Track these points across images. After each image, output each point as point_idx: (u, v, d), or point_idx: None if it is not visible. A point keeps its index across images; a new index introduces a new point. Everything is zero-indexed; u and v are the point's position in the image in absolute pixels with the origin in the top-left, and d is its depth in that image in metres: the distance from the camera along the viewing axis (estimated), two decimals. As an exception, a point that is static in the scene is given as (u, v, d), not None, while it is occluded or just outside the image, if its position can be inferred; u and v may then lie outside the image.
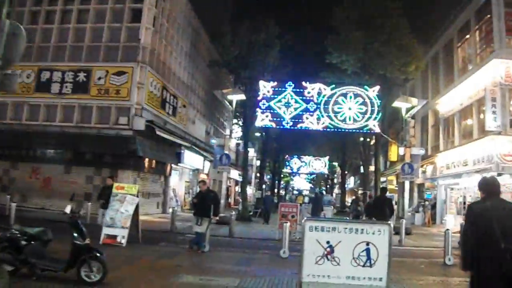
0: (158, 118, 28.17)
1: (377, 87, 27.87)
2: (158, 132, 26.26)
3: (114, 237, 14.19)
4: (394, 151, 47.20)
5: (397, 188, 44.62)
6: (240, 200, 38.98)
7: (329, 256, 7.11)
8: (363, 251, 7.10)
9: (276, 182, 66.48)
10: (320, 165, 72.44)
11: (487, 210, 5.64)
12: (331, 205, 29.84)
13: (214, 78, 40.67)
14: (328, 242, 7.18)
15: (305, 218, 8.13)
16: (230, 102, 27.86)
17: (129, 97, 25.65)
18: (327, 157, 71.03)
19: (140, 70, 26.01)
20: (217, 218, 14.29)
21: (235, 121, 39.18)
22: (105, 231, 14.19)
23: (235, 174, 51.99)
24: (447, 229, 14.98)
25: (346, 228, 7.26)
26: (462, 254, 5.95)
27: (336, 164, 73.98)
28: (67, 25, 27.73)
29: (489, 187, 5.96)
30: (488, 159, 24.31)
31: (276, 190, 63.58)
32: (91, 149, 25.83)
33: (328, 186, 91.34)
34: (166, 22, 29.96)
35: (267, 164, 56.64)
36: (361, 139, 40.97)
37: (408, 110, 27.22)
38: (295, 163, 72.92)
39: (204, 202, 13.82)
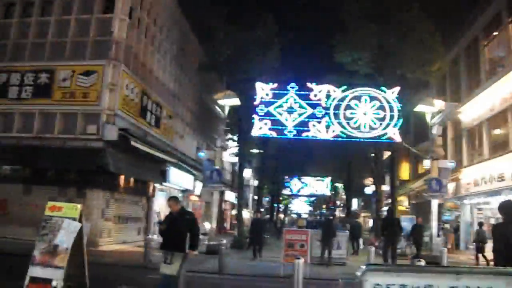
0: (136, 128, 23.74)
1: (397, 89, 23.56)
2: (133, 143, 21.68)
3: (46, 281, 9.59)
4: (406, 168, 43.19)
5: (408, 209, 40.32)
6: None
7: None
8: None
9: (275, 205, 62.10)
10: (321, 186, 67.88)
11: (506, 229, 6.40)
12: (346, 229, 25.10)
13: (205, 88, 36.16)
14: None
15: (364, 268, 3.60)
16: (222, 108, 23.34)
17: (98, 101, 21.24)
18: (329, 178, 66.55)
19: (112, 69, 21.63)
20: (195, 253, 9.47)
21: (229, 136, 34.92)
22: (32, 272, 9.57)
23: (231, 196, 47.48)
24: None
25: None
26: (495, 262, 6.62)
27: (339, 185, 69.41)
28: (28, 19, 23.39)
29: (509, 210, 6.65)
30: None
31: (275, 213, 59.16)
32: (54, 164, 21.28)
33: (329, 208, 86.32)
34: (146, 16, 25.65)
35: (265, 186, 52.21)
36: (372, 154, 36.41)
37: (433, 116, 22.77)
38: (295, 184, 68.27)
39: (176, 229, 9.27)
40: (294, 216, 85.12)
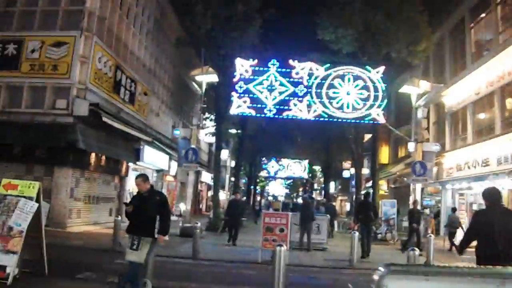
0: (109, 104, 22.52)
1: (382, 68, 22.67)
2: (105, 119, 20.44)
3: (1, 268, 8.59)
4: (385, 152, 42.65)
5: (387, 194, 39.82)
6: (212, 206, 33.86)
7: None
8: None
9: (252, 187, 61.22)
10: (299, 168, 67.02)
11: (490, 216, 6.57)
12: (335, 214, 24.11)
13: (182, 65, 34.86)
14: None
15: (383, 270, 2.64)
16: (200, 85, 22.27)
17: (69, 74, 19.91)
18: (307, 160, 65.73)
19: (84, 41, 20.30)
20: (166, 238, 8.44)
21: (206, 115, 33.83)
22: (-18, 258, 8.55)
23: (207, 177, 46.55)
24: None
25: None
26: (460, 244, 7.29)
27: (316, 168, 68.74)
28: (-5, -15, 21.91)
29: (493, 197, 6.85)
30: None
31: (252, 196, 58.32)
32: (20, 141, 19.90)
33: (306, 191, 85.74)
34: (121, -13, 24.32)
35: (242, 167, 51.25)
36: (350, 136, 35.61)
37: (418, 97, 21.98)
38: (273, 167, 67.26)
39: (144, 211, 8.26)
40: (270, 198, 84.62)
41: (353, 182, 51.37)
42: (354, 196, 37.43)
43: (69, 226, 19.98)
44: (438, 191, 30.46)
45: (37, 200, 8.95)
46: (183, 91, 34.89)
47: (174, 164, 34.39)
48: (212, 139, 35.78)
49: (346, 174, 57.16)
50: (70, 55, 20.05)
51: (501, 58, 21.99)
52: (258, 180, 70.98)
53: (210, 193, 47.08)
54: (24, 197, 8.84)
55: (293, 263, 13.34)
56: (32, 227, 8.85)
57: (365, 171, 40.83)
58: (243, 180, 60.00)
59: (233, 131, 38.01)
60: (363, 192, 34.91)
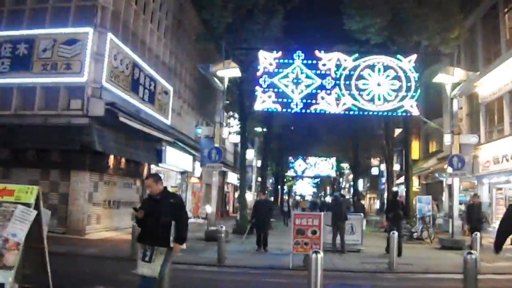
0: (126, 104, 21.51)
1: (414, 56, 21.31)
2: (122, 119, 19.42)
3: (-3, 284, 7.56)
4: (416, 147, 41.07)
5: (419, 190, 38.25)
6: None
7: None
8: None
9: (279, 187, 60.05)
10: (326, 166, 65.68)
11: None
12: (363, 212, 22.61)
13: (204, 62, 33.51)
14: None
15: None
16: (222, 81, 21.08)
17: (83, 72, 18.98)
18: (334, 158, 64.33)
19: (98, 37, 19.35)
20: (183, 246, 7.24)
21: (230, 113, 32.74)
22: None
23: (233, 178, 45.45)
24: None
25: None
26: (496, 241, 7.15)
27: (344, 165, 67.14)
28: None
29: None
30: None
31: (279, 196, 57.09)
32: (34, 144, 19.05)
33: (334, 190, 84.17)
34: (137, -20, 23.35)
35: (269, 167, 50.12)
36: (380, 131, 34.23)
37: (454, 87, 20.52)
38: (300, 165, 65.98)
39: (157, 216, 7.12)
40: (298, 198, 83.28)
41: (383, 179, 50.12)
42: (385, 194, 36.07)
43: (88, 233, 19.10)
44: (473, 186, 28.88)
45: (36, 207, 7.86)
46: (205, 90, 33.78)
47: (199, 165, 33.35)
48: (237, 139, 34.78)
49: (375, 171, 55.71)
50: (83, 53, 19.10)
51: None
52: (285, 180, 69.87)
53: (237, 194, 46.15)
54: (21, 203, 7.77)
55: (327, 268, 12.13)
56: (32, 237, 7.78)
57: (396, 167, 39.39)
58: (270, 180, 58.89)
59: (259, 129, 36.88)
60: (395, 188, 33.72)
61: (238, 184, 45.47)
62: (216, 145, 20.08)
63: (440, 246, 19.44)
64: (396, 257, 13.10)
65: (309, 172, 67.68)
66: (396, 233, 13.56)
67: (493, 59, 25.86)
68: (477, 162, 26.64)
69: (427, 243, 21.71)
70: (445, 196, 31.85)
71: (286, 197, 72.29)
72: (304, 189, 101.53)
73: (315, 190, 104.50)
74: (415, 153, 41.67)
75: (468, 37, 27.65)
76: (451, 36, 22.72)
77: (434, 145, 38.50)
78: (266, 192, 23.89)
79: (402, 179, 43.22)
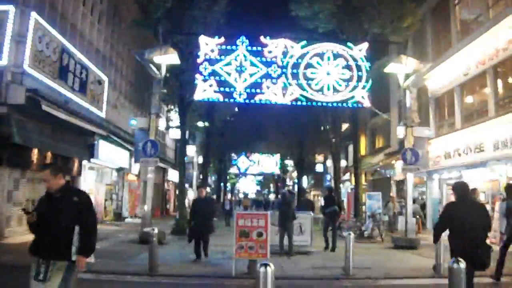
0: (53, 92, 19.38)
1: (365, 45, 20.03)
2: (45, 107, 17.17)
3: None
4: (362, 143, 40.32)
5: (365, 186, 37.44)
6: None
7: None
8: None
9: (222, 184, 58.44)
10: (271, 164, 64.39)
11: (460, 209, 7.44)
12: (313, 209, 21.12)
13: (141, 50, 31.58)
14: None
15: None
16: (159, 68, 19.22)
17: (0, 55, 16.77)
18: (279, 155, 63.12)
19: (20, 16, 17.18)
20: (90, 260, 5.46)
21: (171, 107, 30.86)
22: None
23: (175, 175, 43.39)
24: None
25: None
26: (434, 233, 8.04)
27: (288, 162, 65.98)
28: None
29: (461, 191, 7.66)
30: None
31: (222, 194, 55.43)
32: None
33: (278, 188, 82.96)
34: (66, -42, 21.17)
35: (211, 164, 48.38)
36: (327, 126, 33.08)
37: (406, 77, 19.40)
38: (243, 162, 64.40)
39: (54, 220, 5.44)
40: (241, 196, 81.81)
41: (327, 176, 49.30)
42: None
43: (7, 236, 16.95)
44: (423, 182, 28.13)
45: None
46: (144, 81, 31.63)
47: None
48: (179, 134, 33.13)
49: (319, 168, 54.83)
50: (2, 33, 16.87)
51: (493, 33, 19.85)
52: (228, 178, 68.27)
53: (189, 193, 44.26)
54: None
55: (276, 275, 10.66)
56: None
57: (342, 163, 38.53)
58: (213, 177, 57.17)
59: (201, 124, 35.12)
60: (341, 185, 32.76)
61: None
62: (152, 137, 18.27)
63: (393, 245, 18.26)
64: (352, 261, 11.68)
65: (253, 170, 66.20)
66: (352, 234, 12.19)
67: (443, 52, 25.23)
68: (427, 157, 25.92)
69: (378, 242, 20.60)
70: (393, 193, 31.06)
71: (229, 195, 70.69)
72: (248, 187, 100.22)
73: (258, 188, 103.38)
74: (361, 149, 41.03)
75: (418, 29, 26.92)
76: (403, 25, 21.72)
77: (380, 141, 37.95)
78: (205, 187, 20.73)
79: (347, 176, 42.54)
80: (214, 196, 48.78)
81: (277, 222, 15.05)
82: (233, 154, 61.66)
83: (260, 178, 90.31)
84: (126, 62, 30.48)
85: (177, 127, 30.04)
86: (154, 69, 19.30)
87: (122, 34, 29.21)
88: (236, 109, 43.25)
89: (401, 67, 19.06)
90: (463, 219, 7.20)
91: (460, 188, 7.70)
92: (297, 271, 12.21)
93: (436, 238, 8.04)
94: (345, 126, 35.01)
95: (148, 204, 18.94)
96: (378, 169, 35.09)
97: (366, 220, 23.06)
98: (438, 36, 26.76)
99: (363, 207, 25.20)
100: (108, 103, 26.84)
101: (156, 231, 11.90)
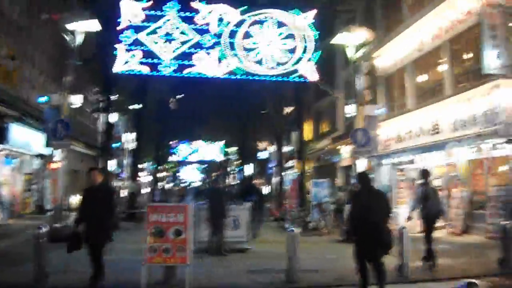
0: None
1: (313, 12, 17.74)
2: None
3: None
4: (307, 128, 38.33)
5: (309, 173, 35.42)
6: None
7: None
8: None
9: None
10: (213, 151, 61.61)
11: (363, 196, 8.21)
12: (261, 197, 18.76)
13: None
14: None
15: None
16: (73, 36, 16.29)
17: None
18: (222, 142, 60.40)
19: None
20: None
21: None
22: None
23: (110, 164, 39.98)
24: (402, 227, 10.23)
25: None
26: (349, 228, 9.59)
27: (232, 149, 63.22)
28: None
29: (365, 179, 8.39)
30: (488, 118, 15.65)
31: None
32: None
33: (222, 175, 79.82)
34: None
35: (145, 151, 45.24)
36: (268, 110, 30.81)
37: (357, 49, 17.21)
38: (183, 150, 61.25)
39: None
40: (185, 185, 78.48)
41: (272, 164, 47.06)
42: (274, 178, 32.92)
43: None
44: (371, 168, 26.22)
45: None
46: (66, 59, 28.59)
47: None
48: (114, 118, 30.35)
49: (263, 154, 52.43)
50: None
51: (450, 4, 17.98)
52: (168, 166, 65.19)
53: (116, 183, 40.96)
54: None
55: (202, 284, 8.32)
56: None
57: (286, 149, 36.39)
58: (151, 166, 53.95)
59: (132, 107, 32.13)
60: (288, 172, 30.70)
61: (114, 171, 40.44)
62: (62, 117, 15.47)
63: (343, 238, 16.02)
64: (298, 261, 9.36)
65: (195, 157, 63.15)
66: (295, 230, 9.87)
67: (393, 27, 23.30)
68: (377, 140, 24.10)
69: (324, 234, 18.43)
70: (339, 180, 29.16)
71: (167, 185, 67.23)
72: (192, 175, 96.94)
73: (203, 176, 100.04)
74: (306, 134, 39.09)
75: (366, 4, 25.00)
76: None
77: (325, 125, 36.16)
78: (100, 172, 10.58)
79: (291, 163, 40.44)
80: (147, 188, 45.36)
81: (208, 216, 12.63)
82: (173, 142, 58.52)
83: (205, 166, 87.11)
84: (48, 36, 27.23)
85: (100, 108, 26.95)
86: (68, 38, 16.43)
87: (45, 8, 25.93)
88: (170, 88, 39.79)
89: (351, 38, 16.86)
90: (365, 205, 7.89)
91: (362, 177, 8.54)
92: (229, 276, 9.75)
93: (351, 233, 8.68)
94: (289, 110, 33.04)
95: (59, 194, 16.13)
96: (323, 155, 33.16)
97: (311, 210, 20.87)
98: (388, 10, 24.94)
99: (308, 195, 23.02)
100: (24, 79, 23.78)
101: (44, 230, 9.19)
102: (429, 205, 10.68)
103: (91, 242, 8.18)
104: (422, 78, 21.91)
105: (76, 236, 8.29)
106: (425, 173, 11.43)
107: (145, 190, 43.97)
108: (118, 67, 16.89)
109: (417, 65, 22.04)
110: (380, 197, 8.25)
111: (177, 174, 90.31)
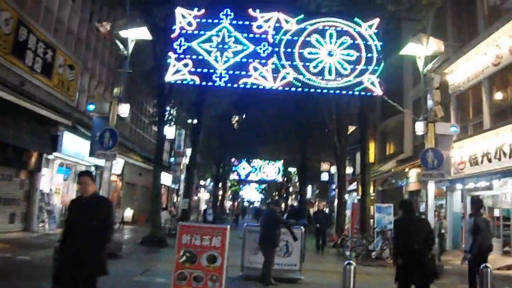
0: (3, 69, 16.24)
1: (376, 21, 16.22)
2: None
3: None
4: (371, 149, 36.57)
5: (373, 197, 33.58)
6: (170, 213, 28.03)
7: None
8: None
9: (220, 192, 54.59)
10: (273, 171, 60.21)
11: (406, 223, 8.09)
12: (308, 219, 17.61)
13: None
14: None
15: None
16: (125, 44, 15.55)
17: None
18: (281, 162, 58.92)
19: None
20: None
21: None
22: None
23: (167, 178, 39.65)
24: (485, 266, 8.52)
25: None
26: (393, 254, 9.78)
27: (292, 169, 61.61)
28: None
29: (407, 207, 8.24)
30: None
31: (219, 201, 51.66)
32: None
33: (282, 196, 78.00)
34: None
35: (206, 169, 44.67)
36: (332, 127, 29.28)
37: (428, 61, 15.60)
38: (244, 168, 60.14)
39: None
40: (246, 204, 77.47)
41: (333, 186, 45.32)
42: (336, 201, 31.29)
43: None
44: (442, 193, 24.31)
45: None
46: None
47: (121, 161, 28.12)
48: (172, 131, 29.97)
49: (324, 176, 50.75)
50: None
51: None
52: (229, 185, 64.39)
53: (177, 198, 40.68)
54: None
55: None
56: None
57: (348, 170, 34.77)
58: (211, 183, 53.39)
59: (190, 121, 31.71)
60: (346, 195, 29.13)
61: (174, 187, 39.92)
62: (111, 126, 14.71)
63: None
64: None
65: (254, 177, 61.89)
66: (353, 264, 8.45)
67: (467, 40, 21.56)
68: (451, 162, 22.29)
69: (389, 264, 16.71)
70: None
71: (231, 203, 66.63)
72: (252, 194, 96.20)
73: (262, 196, 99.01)
74: (370, 156, 37.30)
75: (436, 15, 23.35)
76: (423, 2, 17.93)
77: (391, 147, 34.40)
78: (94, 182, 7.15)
79: (354, 186, 38.68)
80: (204, 205, 44.74)
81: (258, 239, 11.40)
82: (233, 159, 57.66)
83: (264, 186, 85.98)
84: (107, 47, 27.37)
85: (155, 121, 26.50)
86: (120, 45, 15.74)
87: (103, 16, 25.97)
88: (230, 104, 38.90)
89: (422, 49, 15.32)
90: (409, 233, 7.80)
91: (405, 205, 8.30)
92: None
93: (396, 259, 8.23)
94: (352, 129, 31.61)
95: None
96: (389, 178, 31.35)
97: (375, 237, 19.22)
98: (461, 22, 23.43)
99: (371, 221, 21.37)
100: (84, 92, 23.84)
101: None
102: (480, 239, 9.86)
103: (76, 275, 6.01)
104: (499, 95, 20.07)
105: (61, 265, 6.33)
106: (476, 203, 10.93)
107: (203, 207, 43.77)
108: (169, 76, 15.90)
109: (493, 81, 20.28)
110: (423, 224, 8.32)
111: (240, 193, 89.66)
